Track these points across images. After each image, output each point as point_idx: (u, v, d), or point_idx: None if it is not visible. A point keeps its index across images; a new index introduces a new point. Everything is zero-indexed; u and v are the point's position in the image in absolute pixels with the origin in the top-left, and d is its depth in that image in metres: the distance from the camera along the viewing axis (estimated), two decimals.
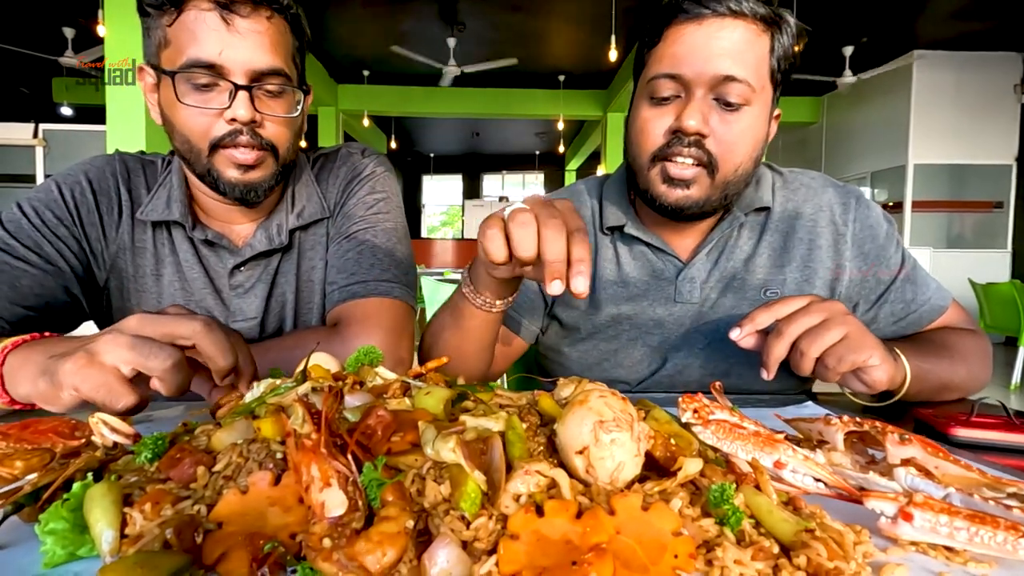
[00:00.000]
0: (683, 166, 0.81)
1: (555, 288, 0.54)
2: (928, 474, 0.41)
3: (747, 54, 0.78)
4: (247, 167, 0.81)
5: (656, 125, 0.82)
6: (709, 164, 0.81)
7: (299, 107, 0.84)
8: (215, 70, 0.76)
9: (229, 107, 0.77)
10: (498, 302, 0.73)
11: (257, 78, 0.78)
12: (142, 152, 0.98)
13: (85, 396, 0.52)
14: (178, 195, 0.89)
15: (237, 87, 0.77)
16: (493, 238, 0.58)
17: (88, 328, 0.80)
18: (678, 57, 0.79)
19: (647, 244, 0.94)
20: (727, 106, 0.79)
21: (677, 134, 0.80)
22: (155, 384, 0.53)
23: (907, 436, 0.42)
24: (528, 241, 0.56)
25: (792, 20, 0.82)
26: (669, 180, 0.82)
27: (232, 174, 0.81)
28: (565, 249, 0.55)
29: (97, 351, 0.51)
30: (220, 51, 0.76)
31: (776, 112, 0.88)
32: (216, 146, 0.79)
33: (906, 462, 0.42)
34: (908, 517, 0.36)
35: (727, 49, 0.78)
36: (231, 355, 0.55)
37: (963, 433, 0.63)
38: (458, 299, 0.77)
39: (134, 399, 0.52)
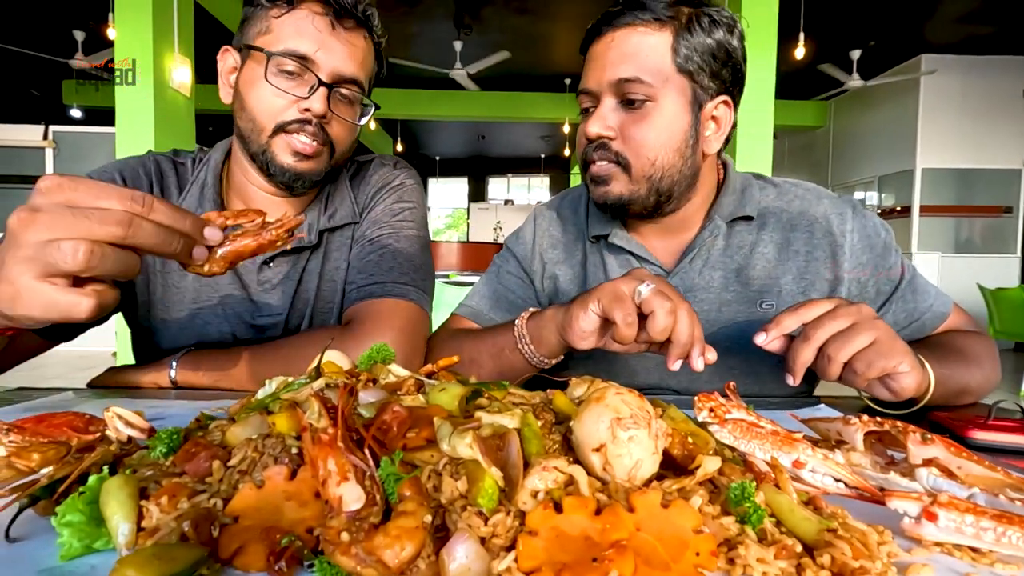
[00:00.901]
0: (599, 166, 0.87)
1: (677, 366, 0.66)
2: (951, 474, 0.41)
3: (640, 55, 0.83)
4: (304, 156, 0.86)
5: (582, 135, 0.89)
6: (619, 162, 0.86)
7: (363, 118, 0.93)
8: (307, 62, 0.83)
9: (307, 98, 0.83)
10: (553, 361, 0.79)
11: (338, 81, 0.86)
12: (175, 151, 1.01)
13: (39, 321, 0.48)
14: (211, 194, 0.92)
15: (320, 83, 0.83)
16: (632, 324, 0.65)
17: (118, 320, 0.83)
18: (586, 73, 0.88)
19: (631, 253, 0.94)
20: (630, 105, 0.84)
21: (590, 141, 0.87)
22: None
23: (929, 436, 0.41)
24: (667, 325, 0.64)
25: (710, 10, 0.84)
26: (593, 179, 0.88)
27: (286, 159, 0.86)
28: (694, 332, 0.65)
29: (10, 277, 0.46)
30: (317, 49, 0.83)
31: (720, 99, 0.86)
32: (280, 129, 0.84)
33: (928, 462, 0.42)
34: (932, 517, 0.35)
35: (620, 55, 0.83)
36: (175, 240, 0.50)
37: (981, 436, 0.62)
38: (506, 347, 0.81)
39: (91, 301, 0.47)
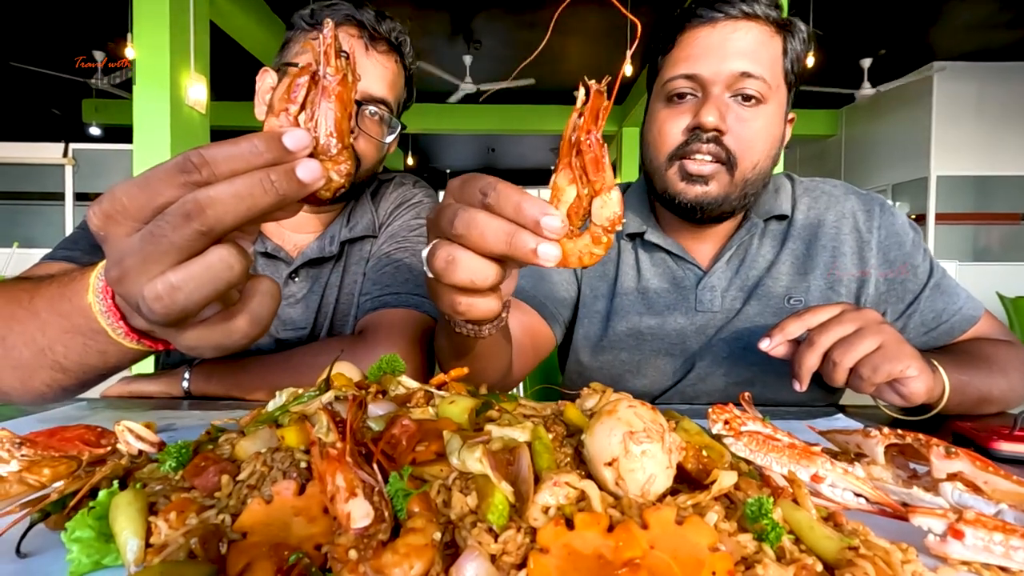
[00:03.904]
0: (701, 162, 0.81)
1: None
2: (977, 489, 0.39)
3: (761, 53, 0.80)
4: None
5: (673, 125, 0.83)
6: (728, 161, 0.81)
7: (389, 136, 0.95)
8: None
9: None
10: (487, 328, 0.59)
11: (367, 100, 0.89)
12: None
13: (202, 302, 0.36)
14: None
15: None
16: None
17: None
18: (694, 58, 0.81)
19: (667, 252, 0.93)
20: (745, 101, 0.80)
21: (695, 131, 0.81)
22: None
23: (953, 449, 0.40)
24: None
25: (803, 26, 0.83)
26: (688, 177, 0.82)
27: None
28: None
29: (139, 276, 0.35)
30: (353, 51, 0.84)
31: (790, 116, 0.88)
32: None
33: (952, 476, 0.40)
34: (959, 535, 0.34)
35: (742, 48, 0.79)
36: (266, 183, 0.35)
37: (1006, 447, 0.60)
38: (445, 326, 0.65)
39: (239, 262, 0.36)
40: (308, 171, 0.36)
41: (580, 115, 0.40)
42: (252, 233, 0.41)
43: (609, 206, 0.41)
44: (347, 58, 0.43)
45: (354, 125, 0.85)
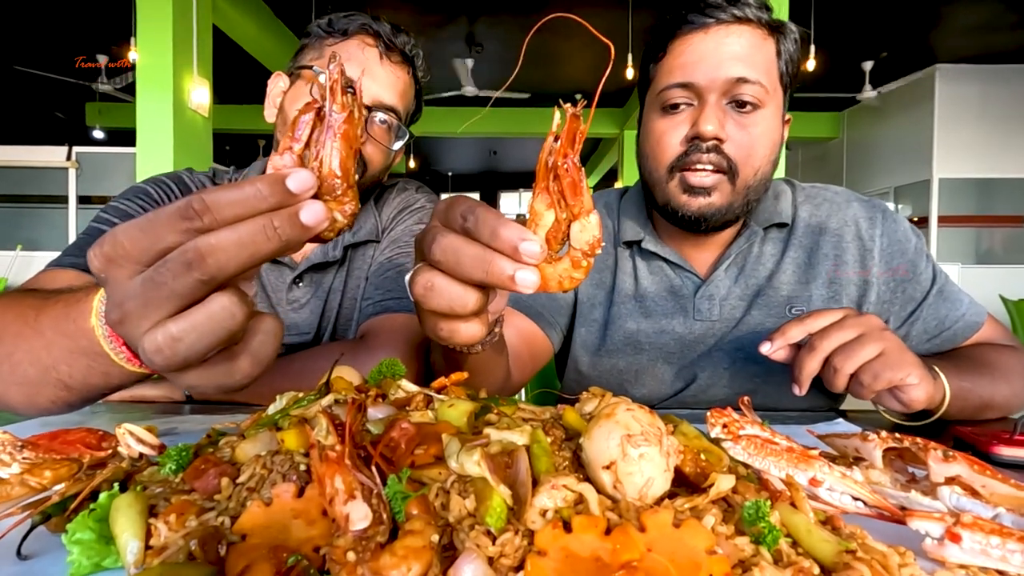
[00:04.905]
0: (703, 173, 0.80)
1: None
2: (975, 493, 0.39)
3: (756, 56, 0.79)
4: None
5: (672, 135, 0.82)
6: (729, 170, 0.80)
7: (397, 143, 0.97)
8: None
9: None
10: (478, 345, 0.59)
11: (377, 107, 0.91)
12: (214, 171, 1.07)
13: (203, 352, 0.36)
14: None
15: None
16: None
17: None
18: (688, 66, 0.80)
19: (665, 260, 0.93)
20: (741, 108, 0.79)
21: (694, 141, 0.80)
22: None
23: (951, 453, 0.40)
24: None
25: (794, 27, 0.83)
26: (690, 189, 0.82)
27: None
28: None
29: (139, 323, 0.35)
30: (362, 75, 0.85)
31: (787, 117, 0.88)
32: None
33: (950, 480, 0.40)
34: (956, 538, 0.34)
35: (737, 53, 0.78)
36: (270, 231, 0.35)
37: (1006, 452, 0.60)
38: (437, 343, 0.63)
39: (240, 309, 0.35)
40: (312, 214, 0.36)
41: (556, 139, 0.40)
42: (253, 275, 0.41)
43: (588, 230, 0.40)
44: (354, 94, 0.42)
45: (362, 132, 0.86)
